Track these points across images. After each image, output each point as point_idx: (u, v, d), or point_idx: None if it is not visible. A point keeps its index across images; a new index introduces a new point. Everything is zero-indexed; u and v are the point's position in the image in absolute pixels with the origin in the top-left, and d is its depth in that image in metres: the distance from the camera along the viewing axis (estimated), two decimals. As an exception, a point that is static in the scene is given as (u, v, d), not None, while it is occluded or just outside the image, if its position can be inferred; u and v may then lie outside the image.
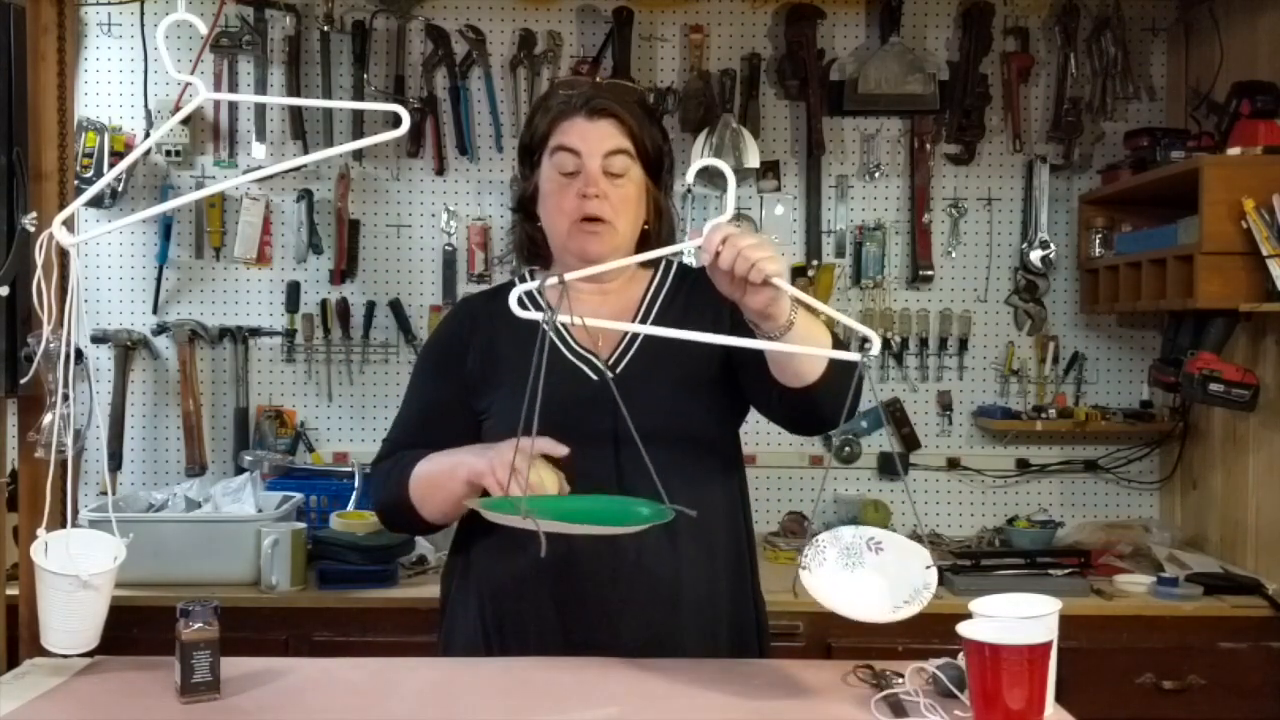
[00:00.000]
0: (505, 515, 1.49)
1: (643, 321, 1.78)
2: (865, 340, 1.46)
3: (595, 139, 1.71)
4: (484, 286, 3.21)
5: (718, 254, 1.44)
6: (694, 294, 1.77)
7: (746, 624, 1.79)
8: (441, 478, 1.69)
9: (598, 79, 1.83)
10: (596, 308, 1.74)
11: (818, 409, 1.63)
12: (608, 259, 1.70)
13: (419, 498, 1.73)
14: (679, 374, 1.72)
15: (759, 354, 1.59)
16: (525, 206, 1.82)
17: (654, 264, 1.83)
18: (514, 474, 1.54)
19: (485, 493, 1.61)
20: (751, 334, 1.54)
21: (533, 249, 1.83)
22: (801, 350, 1.52)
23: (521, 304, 1.51)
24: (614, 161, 1.72)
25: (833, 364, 1.57)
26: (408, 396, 1.87)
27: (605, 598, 1.68)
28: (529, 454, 1.50)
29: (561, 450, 1.57)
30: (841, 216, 3.33)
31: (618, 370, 1.72)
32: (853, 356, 1.48)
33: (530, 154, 1.80)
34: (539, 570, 1.68)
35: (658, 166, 1.78)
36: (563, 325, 1.47)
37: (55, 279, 1.62)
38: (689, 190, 3.24)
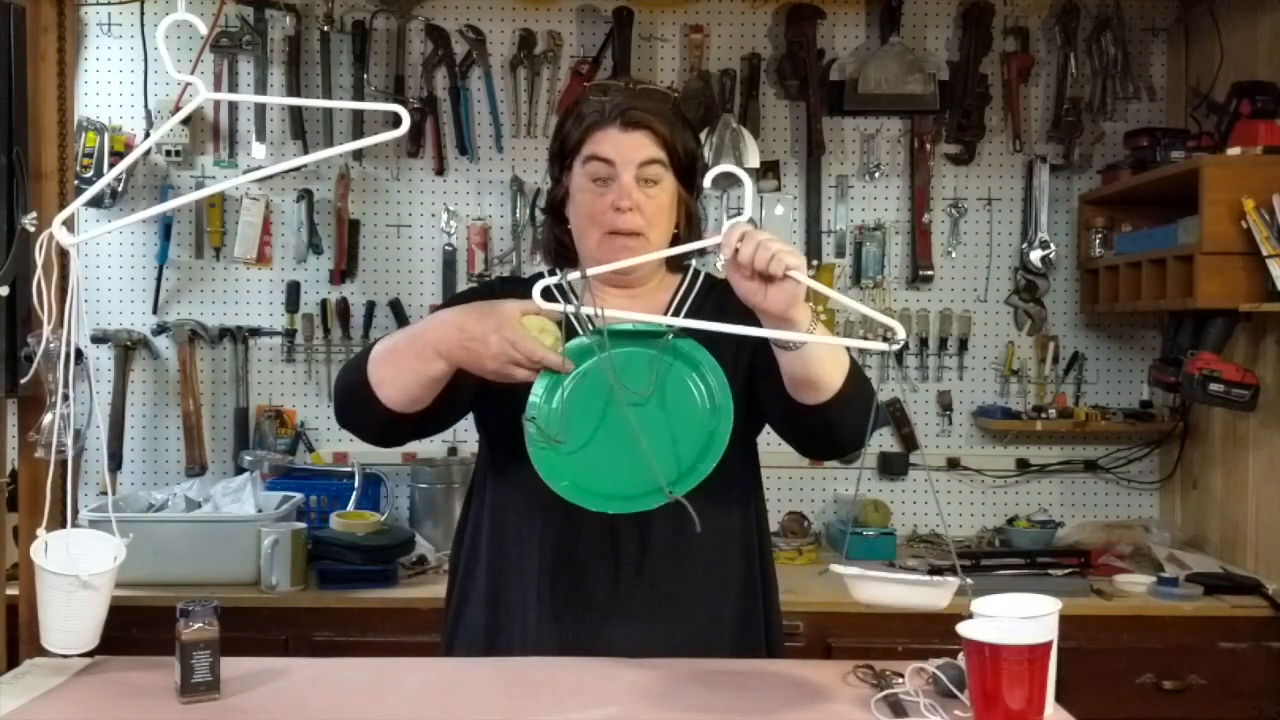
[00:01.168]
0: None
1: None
2: (888, 331, 1.47)
3: (630, 150, 1.67)
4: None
5: (736, 252, 1.44)
6: (724, 299, 1.68)
7: (756, 640, 1.76)
8: (414, 343, 1.57)
9: (629, 84, 1.78)
10: (624, 310, 1.73)
11: (834, 427, 1.60)
12: (638, 270, 1.70)
13: (381, 376, 1.59)
14: None
15: (779, 370, 1.58)
16: (555, 209, 1.79)
17: (682, 269, 1.82)
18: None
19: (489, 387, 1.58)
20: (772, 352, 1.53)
21: (561, 251, 1.80)
22: (825, 340, 1.51)
23: (546, 297, 1.51)
24: (647, 171, 1.68)
25: (850, 379, 1.56)
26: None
27: (603, 605, 1.67)
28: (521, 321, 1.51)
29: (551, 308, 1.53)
30: (841, 216, 3.33)
31: None
32: (879, 346, 1.49)
33: (562, 158, 1.76)
34: (540, 573, 1.69)
35: (690, 172, 1.75)
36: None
37: (55, 279, 1.62)
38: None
